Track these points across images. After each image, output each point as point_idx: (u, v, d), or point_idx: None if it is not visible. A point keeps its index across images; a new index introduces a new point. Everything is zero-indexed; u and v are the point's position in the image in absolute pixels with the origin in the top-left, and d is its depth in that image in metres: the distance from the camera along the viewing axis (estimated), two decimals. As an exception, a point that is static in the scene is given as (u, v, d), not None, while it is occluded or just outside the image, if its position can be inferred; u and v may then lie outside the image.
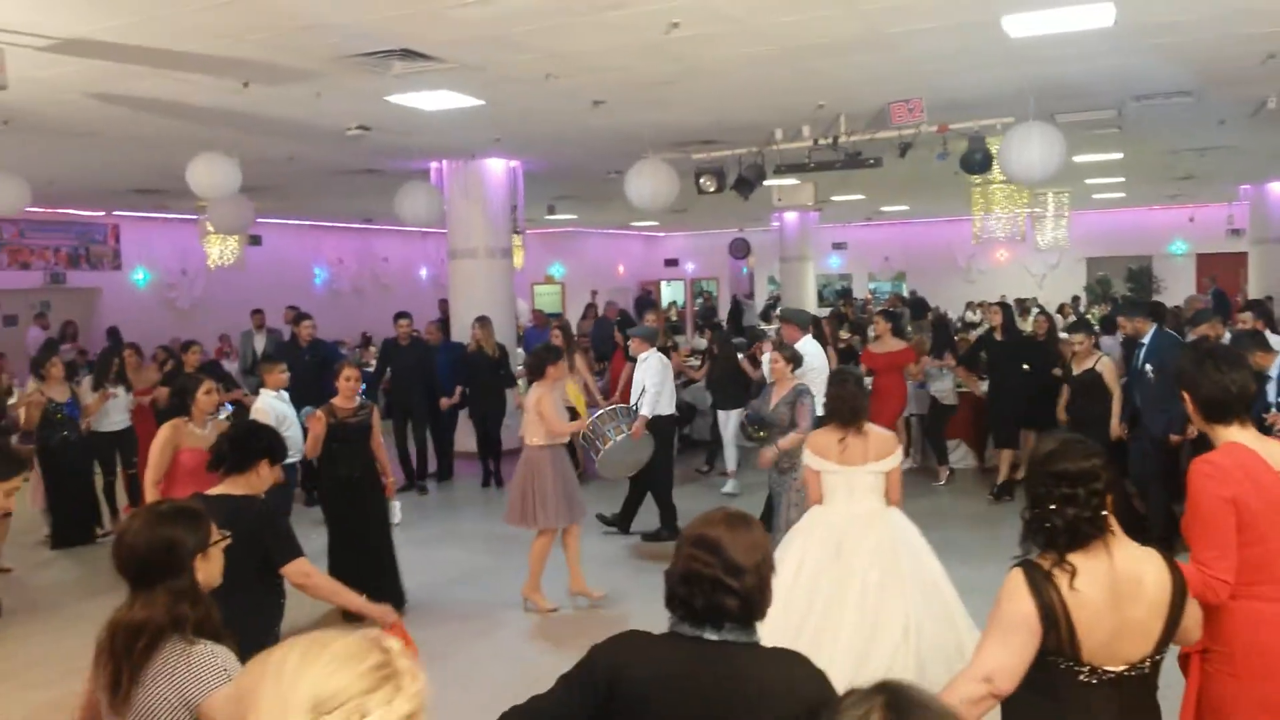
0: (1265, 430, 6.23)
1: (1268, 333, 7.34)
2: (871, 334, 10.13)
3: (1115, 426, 7.38)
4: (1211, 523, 2.75)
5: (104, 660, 2.23)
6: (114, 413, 8.56)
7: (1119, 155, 12.64)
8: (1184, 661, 2.88)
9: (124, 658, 2.18)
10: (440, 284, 18.36)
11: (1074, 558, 2.34)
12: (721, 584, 2.00)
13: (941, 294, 20.86)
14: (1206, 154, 12.66)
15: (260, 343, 11.94)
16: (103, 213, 16.64)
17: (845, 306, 15.67)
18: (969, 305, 18.80)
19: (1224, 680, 2.78)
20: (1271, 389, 6.48)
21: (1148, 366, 7.04)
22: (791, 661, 2.07)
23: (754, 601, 2.05)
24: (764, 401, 6.60)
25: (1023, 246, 19.87)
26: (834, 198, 16.83)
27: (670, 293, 28.38)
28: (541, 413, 6.21)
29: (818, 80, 7.57)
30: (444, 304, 16.22)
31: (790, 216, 19.54)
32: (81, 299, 16.79)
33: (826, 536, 4.51)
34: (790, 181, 11.43)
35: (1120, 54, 6.99)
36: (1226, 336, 7.31)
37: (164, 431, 5.41)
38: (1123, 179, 16.02)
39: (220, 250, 14.58)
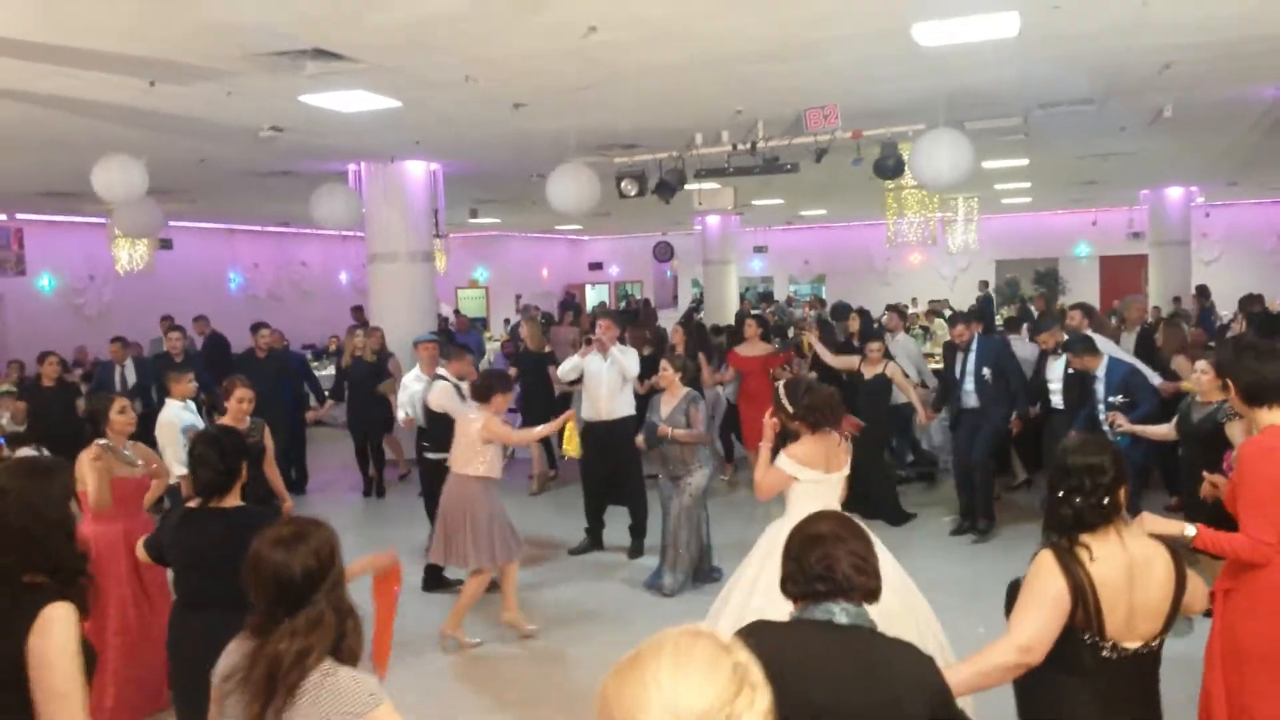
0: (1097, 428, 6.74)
1: (1094, 335, 7.96)
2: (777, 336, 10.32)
3: (923, 416, 8.55)
4: (1268, 498, 3.14)
5: (246, 694, 2.15)
6: None
7: (1025, 161, 13.07)
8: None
9: (277, 690, 2.10)
10: (361, 289, 18.05)
11: (1088, 540, 2.64)
12: (853, 569, 2.25)
13: (860, 295, 21.26)
14: (1108, 159, 13.17)
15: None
16: (4, 216, 15.98)
17: (765, 309, 15.90)
18: (888, 307, 19.21)
19: (1245, 619, 3.17)
20: (1100, 388, 6.92)
21: (985, 370, 7.75)
22: (913, 649, 2.29)
23: (877, 586, 2.31)
24: (654, 411, 6.74)
25: (935, 250, 20.43)
26: (754, 201, 17.06)
27: (595, 296, 28.42)
28: (492, 433, 5.86)
29: (736, 86, 7.67)
30: (358, 310, 15.99)
31: (712, 220, 19.75)
32: (-19, 305, 16.11)
33: None
34: (710, 186, 11.57)
35: (1025, 63, 7.24)
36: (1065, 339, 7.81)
37: (89, 458, 4.93)
38: (1029, 184, 16.58)
39: (129, 255, 14.14)
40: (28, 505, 2.42)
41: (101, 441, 5.07)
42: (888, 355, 8.68)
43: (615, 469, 7.59)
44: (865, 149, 8.96)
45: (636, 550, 7.61)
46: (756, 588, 4.16)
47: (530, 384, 9.87)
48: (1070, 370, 7.50)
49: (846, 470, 4.41)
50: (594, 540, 7.85)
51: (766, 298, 23.98)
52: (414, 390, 7.86)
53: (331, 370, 12.62)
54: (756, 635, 2.20)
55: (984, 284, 21.71)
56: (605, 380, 7.68)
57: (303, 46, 6.08)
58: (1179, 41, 6.72)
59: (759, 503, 9.05)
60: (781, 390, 4.43)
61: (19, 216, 16.16)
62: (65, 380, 9.17)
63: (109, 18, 5.38)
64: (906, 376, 8.83)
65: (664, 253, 25.09)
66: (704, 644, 1.26)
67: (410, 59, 6.50)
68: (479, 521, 5.80)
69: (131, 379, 9.88)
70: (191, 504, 3.63)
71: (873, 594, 2.30)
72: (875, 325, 11.30)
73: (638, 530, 7.66)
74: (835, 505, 4.34)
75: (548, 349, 10.23)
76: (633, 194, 9.84)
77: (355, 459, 10.23)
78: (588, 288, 28.76)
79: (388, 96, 7.61)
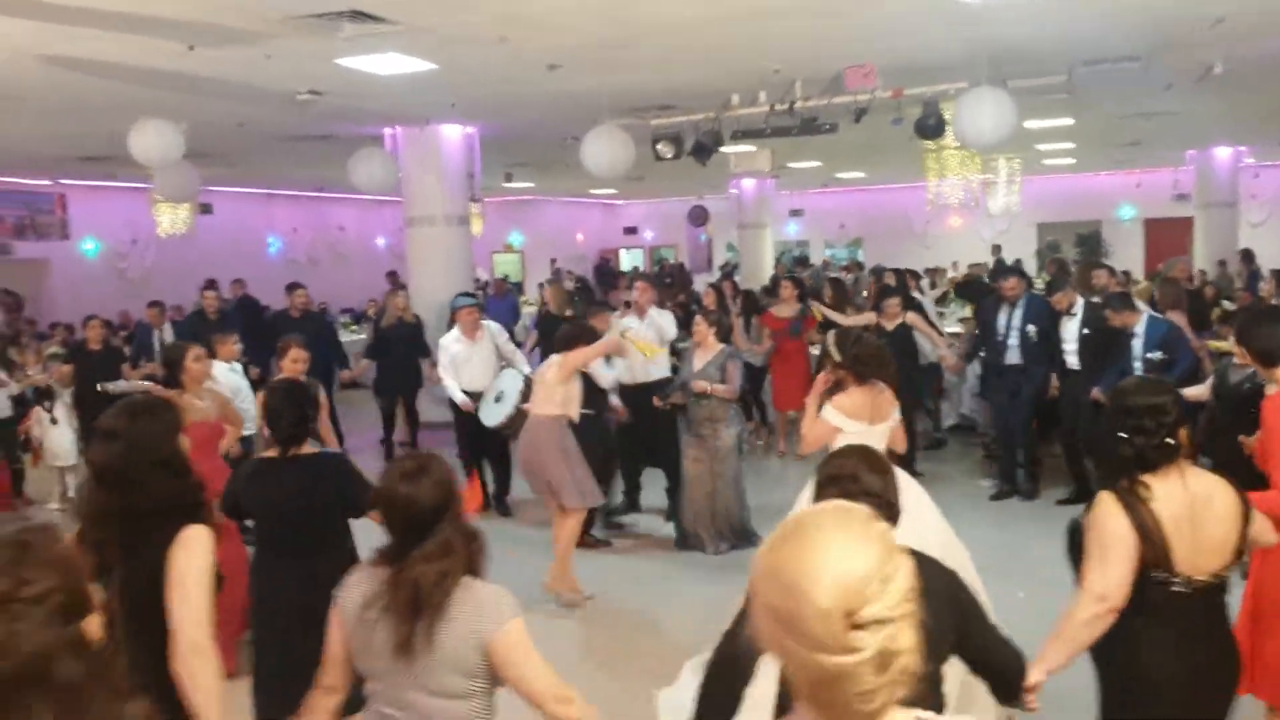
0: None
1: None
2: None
3: (950, 360, 8.75)
4: None
5: (393, 617, 2.27)
6: None
7: (1069, 121, 12.81)
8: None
9: (423, 610, 2.25)
10: (398, 253, 18.18)
11: (1148, 479, 2.68)
12: (860, 485, 2.38)
13: (898, 259, 21.03)
14: (1153, 119, 12.87)
15: (167, 336, 10.22)
16: (49, 181, 16.22)
17: (800, 272, 15.78)
18: (927, 271, 19.02)
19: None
20: (1138, 344, 6.93)
21: (1030, 328, 7.69)
22: (936, 563, 2.37)
23: (894, 504, 2.42)
24: (687, 365, 6.73)
25: (976, 212, 20.11)
26: (791, 164, 16.88)
27: (629, 260, 28.35)
28: (570, 363, 5.93)
29: (773, 44, 7.57)
30: (393, 275, 16.11)
31: (748, 184, 19.59)
32: (30, 271, 16.40)
33: None
34: (747, 148, 11.47)
35: (1070, 18, 7.07)
36: (1080, 302, 7.72)
37: None
38: (1072, 145, 16.24)
39: (171, 219, 14.29)
40: (133, 446, 2.55)
41: (112, 385, 5.22)
42: (908, 307, 8.66)
43: (652, 431, 7.62)
44: (906, 108, 8.83)
45: (673, 512, 7.65)
46: None
47: (552, 346, 9.87)
48: (1087, 331, 7.48)
49: (892, 421, 4.42)
50: (631, 502, 7.90)
51: (802, 261, 23.82)
52: (454, 351, 7.93)
53: (362, 336, 12.77)
54: None
55: (996, 248, 21.36)
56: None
57: (339, 8, 6.09)
58: (1232, -6, 6.53)
59: (793, 465, 9.27)
60: (831, 339, 4.47)
61: (62, 181, 16.40)
62: (110, 344, 9.26)
63: (148, -20, 5.42)
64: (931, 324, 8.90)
65: (699, 217, 24.87)
66: (857, 513, 1.34)
67: (445, 19, 6.48)
68: (561, 459, 5.79)
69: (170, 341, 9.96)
70: (270, 454, 3.74)
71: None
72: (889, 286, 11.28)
73: (674, 492, 7.70)
74: None
75: (569, 312, 10.24)
76: (669, 156, 9.78)
77: (382, 420, 10.29)
78: (622, 252, 28.70)
79: (423, 59, 7.60)
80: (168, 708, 2.25)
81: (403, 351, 9.95)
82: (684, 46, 7.56)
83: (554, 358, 6.11)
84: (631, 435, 7.78)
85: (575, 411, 6.03)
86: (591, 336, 6.25)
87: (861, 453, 2.57)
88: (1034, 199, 21.08)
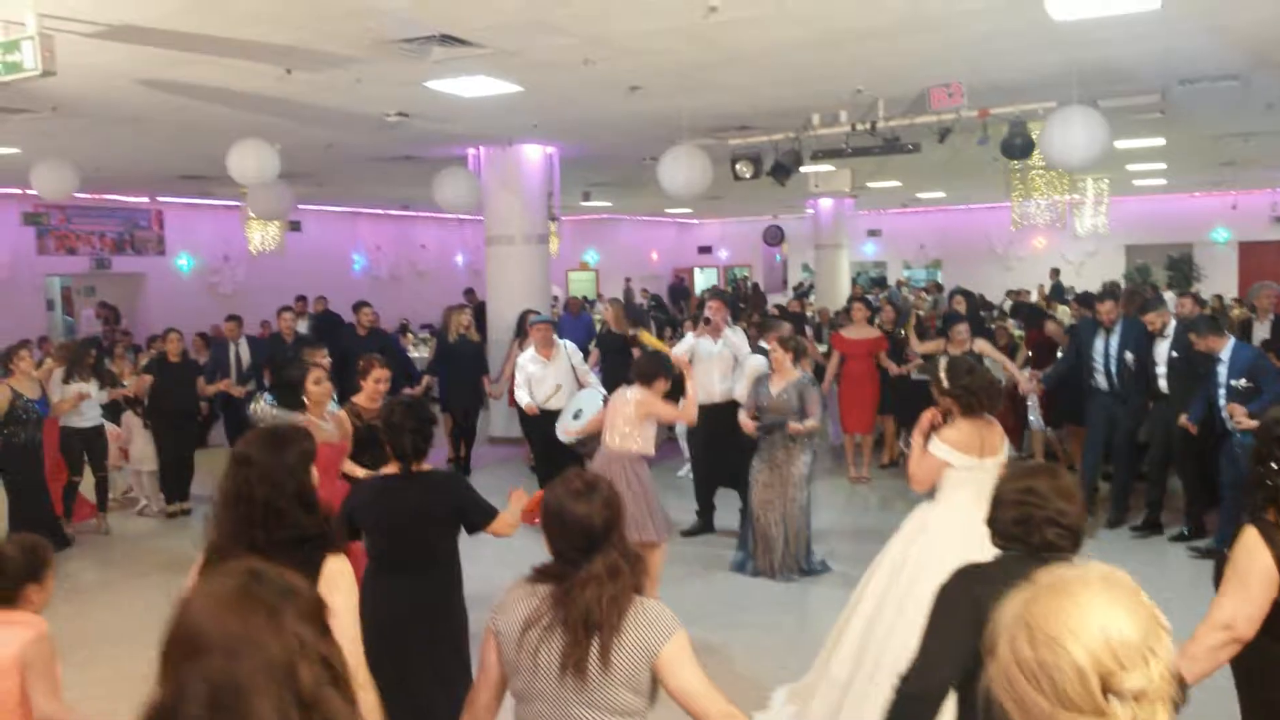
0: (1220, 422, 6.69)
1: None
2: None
3: (1025, 385, 8.54)
4: None
5: (564, 637, 2.26)
6: (86, 409, 8.01)
7: (1161, 140, 12.44)
8: None
9: (598, 630, 2.24)
10: (477, 270, 18.49)
11: None
12: (1054, 521, 2.36)
13: (978, 281, 20.67)
14: (1251, 139, 12.43)
15: (243, 351, 10.13)
16: (147, 199, 16.92)
17: (878, 294, 15.59)
18: (1008, 294, 18.64)
19: None
20: (1223, 370, 6.78)
21: (1127, 354, 7.53)
22: None
23: (1081, 533, 2.41)
24: (763, 391, 6.63)
25: (1061, 233, 19.65)
26: (870, 184, 16.73)
27: (704, 279, 28.36)
28: (651, 408, 5.89)
29: (856, 65, 7.53)
30: (469, 293, 16.37)
31: (825, 203, 19.45)
32: (127, 284, 17.12)
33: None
34: (827, 168, 11.41)
35: (1167, 36, 6.88)
36: (1173, 323, 7.56)
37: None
38: (1164, 165, 15.77)
39: (262, 236, 14.81)
40: (266, 477, 2.55)
41: (265, 403, 5.33)
42: (978, 333, 8.63)
43: (726, 451, 7.58)
44: (992, 128, 8.67)
45: (744, 539, 7.58)
46: (903, 572, 4.14)
47: (613, 365, 9.86)
48: (1175, 354, 7.29)
49: (1003, 456, 4.26)
50: (705, 523, 7.86)
51: (879, 283, 23.54)
52: (530, 371, 8.01)
53: (424, 352, 13.02)
54: (969, 574, 2.45)
55: (1055, 271, 20.91)
56: (717, 362, 7.66)
57: (429, 32, 6.24)
58: (1341, 9, 6.28)
59: (855, 490, 9.14)
60: (942, 365, 4.35)
61: (160, 199, 17.09)
62: (188, 356, 9.40)
63: (251, 7, 5.62)
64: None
65: (774, 237, 24.81)
66: (1125, 580, 1.33)
67: (531, 41, 6.59)
68: (639, 493, 5.75)
69: (246, 357, 10.01)
70: (390, 470, 3.78)
71: (1067, 550, 2.37)
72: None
73: (748, 514, 7.64)
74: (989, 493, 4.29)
75: (630, 331, 10.27)
76: (748, 176, 9.76)
77: (447, 435, 10.36)
78: (696, 271, 28.72)
79: (509, 81, 7.74)
80: None
81: (466, 367, 10.09)
82: (767, 69, 7.56)
83: (632, 391, 5.97)
84: (706, 455, 7.75)
85: (653, 448, 6.01)
86: (668, 369, 6.16)
87: (1048, 473, 2.50)
88: (1123, 220, 20.53)
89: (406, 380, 10.41)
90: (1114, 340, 7.59)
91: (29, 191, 11.38)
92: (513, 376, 9.16)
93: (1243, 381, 6.62)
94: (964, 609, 2.29)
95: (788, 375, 6.64)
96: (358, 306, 10.45)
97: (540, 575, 2.38)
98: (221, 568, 1.54)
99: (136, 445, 8.92)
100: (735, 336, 7.85)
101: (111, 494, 8.80)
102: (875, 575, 4.35)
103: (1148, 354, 7.55)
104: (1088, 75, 7.81)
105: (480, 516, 3.75)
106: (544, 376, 8.08)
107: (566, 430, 7.34)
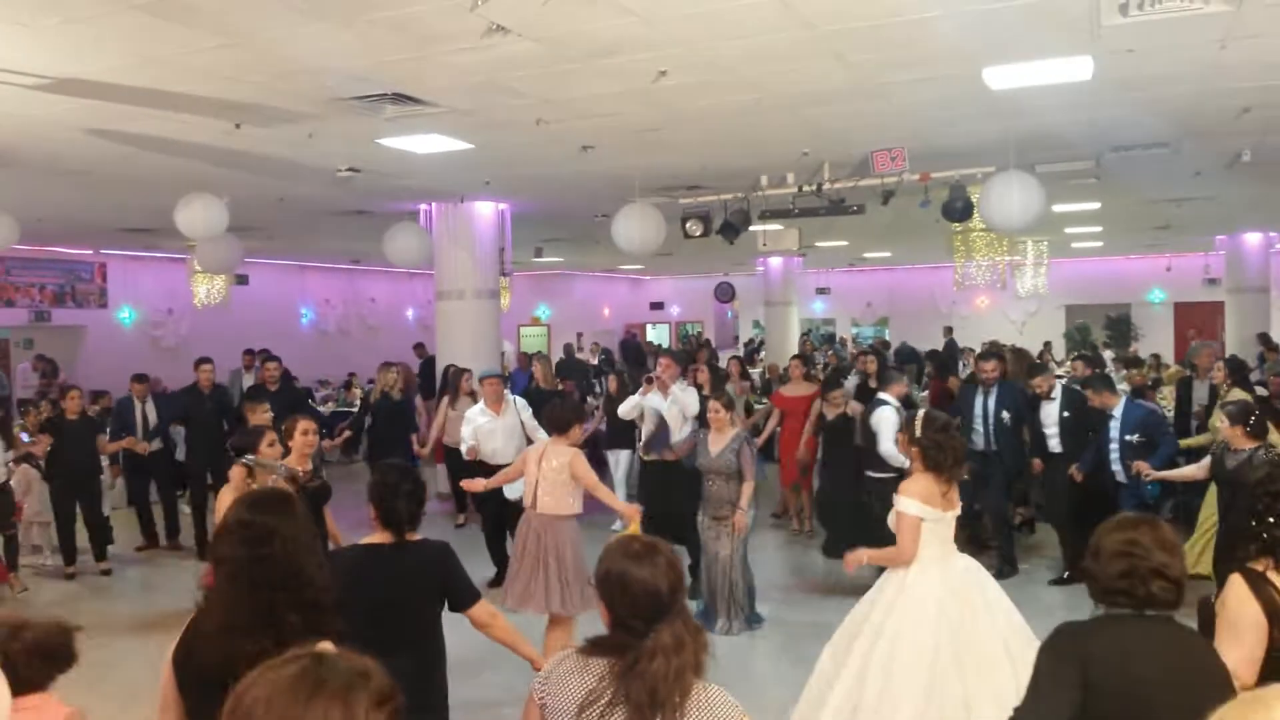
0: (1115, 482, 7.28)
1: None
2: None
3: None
4: None
5: (626, 712, 2.09)
6: None
7: (1097, 205, 12.86)
8: None
9: (662, 707, 2.06)
10: (427, 325, 18.38)
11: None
12: (1159, 573, 2.34)
13: (924, 339, 21.06)
14: (1183, 204, 12.90)
15: (149, 410, 9.85)
16: (90, 250, 16.63)
17: (827, 351, 15.79)
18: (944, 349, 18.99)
19: None
20: (1115, 426, 7.33)
21: (1005, 413, 7.92)
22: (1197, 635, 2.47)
23: (1183, 587, 2.38)
24: (703, 451, 6.65)
25: (1003, 294, 20.13)
26: (818, 243, 17.03)
27: (656, 335, 28.53)
28: (579, 476, 5.61)
29: (803, 128, 7.71)
30: (419, 347, 16.29)
31: (775, 262, 19.75)
32: (67, 337, 16.72)
33: (963, 592, 4.24)
34: (775, 227, 11.58)
35: (1098, 106, 7.16)
36: (1059, 385, 8.16)
37: (238, 478, 5.02)
38: (1101, 228, 16.29)
39: (207, 289, 14.60)
40: (295, 541, 2.38)
41: (248, 459, 5.12)
42: (863, 397, 8.79)
43: (674, 508, 7.56)
44: (933, 191, 8.91)
45: (695, 591, 7.54)
46: (882, 639, 4.14)
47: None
48: (1066, 414, 7.77)
49: (958, 510, 4.36)
50: None
51: (830, 339, 23.86)
52: (479, 424, 7.96)
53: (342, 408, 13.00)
54: (1076, 633, 2.41)
55: (948, 329, 21.42)
56: (666, 419, 7.69)
57: (383, 90, 6.27)
58: (1257, 84, 6.59)
59: (795, 541, 9.19)
60: (919, 416, 4.38)
61: (103, 251, 16.81)
62: (87, 413, 9.11)
63: (204, 61, 5.62)
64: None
65: (725, 293, 25.10)
66: None
67: (485, 101, 6.66)
68: (567, 563, 5.52)
69: (152, 418, 9.74)
70: (377, 539, 3.41)
71: (1172, 604, 2.37)
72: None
73: (697, 570, 7.61)
74: (951, 544, 4.33)
75: (560, 385, 10.29)
76: (698, 234, 9.89)
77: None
78: (648, 327, 28.89)
79: (461, 139, 7.80)
80: None
81: (387, 426, 9.98)
82: (717, 131, 7.71)
83: (555, 449, 5.73)
84: (654, 511, 7.71)
85: (580, 507, 5.80)
86: (582, 415, 6.12)
87: (1150, 525, 2.47)
88: (1062, 281, 21.12)
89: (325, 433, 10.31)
90: (991, 401, 7.94)
91: (-33, 242, 11.11)
92: (440, 434, 9.47)
93: (1136, 437, 7.15)
94: (1071, 665, 2.30)
95: (725, 433, 6.67)
96: (263, 360, 10.33)
97: (596, 647, 2.20)
98: (282, 657, 1.39)
99: (32, 498, 8.89)
100: (685, 395, 7.89)
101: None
102: (857, 641, 4.29)
103: (1033, 417, 7.98)
104: (1024, 142, 8.09)
105: (463, 596, 3.41)
106: (492, 429, 8.03)
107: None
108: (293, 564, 2.35)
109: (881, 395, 7.76)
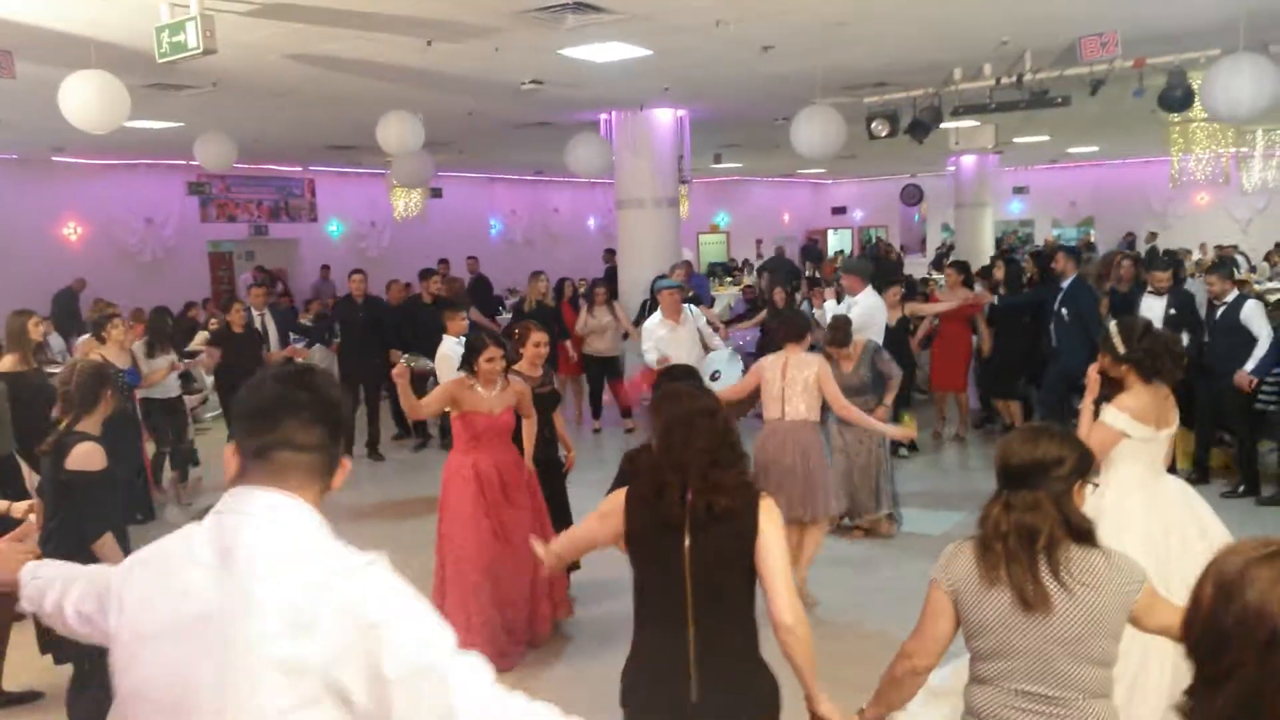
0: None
1: None
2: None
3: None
4: None
5: (1001, 557, 2.31)
6: (167, 379, 7.85)
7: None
8: None
9: (1032, 554, 2.29)
10: (608, 234, 18.68)
11: None
12: None
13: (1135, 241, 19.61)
14: None
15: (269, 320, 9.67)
16: (299, 168, 17.79)
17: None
18: (1165, 253, 17.60)
19: None
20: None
21: (1063, 310, 8.01)
22: None
23: None
24: (836, 375, 6.26)
25: (1226, 189, 18.36)
26: (1016, 139, 16.02)
27: (837, 241, 27.82)
28: (829, 393, 5.39)
29: (1001, 15, 7.22)
30: (609, 253, 16.55)
31: (967, 160, 18.75)
32: (283, 249, 18.11)
33: (1172, 518, 3.94)
34: (969, 123, 11.02)
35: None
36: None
37: (453, 381, 5.08)
38: (1348, 112, 14.50)
39: (405, 203, 15.38)
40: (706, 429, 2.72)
41: (406, 356, 5.36)
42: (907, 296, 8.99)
43: None
44: (1148, 78, 8.18)
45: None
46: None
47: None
48: (1172, 311, 7.43)
49: (1175, 427, 3.95)
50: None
51: (1027, 243, 22.62)
52: (659, 335, 8.12)
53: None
54: None
55: (1152, 235, 19.80)
56: (685, 345, 7.99)
57: (565, 1, 6.31)
58: None
59: (951, 449, 8.97)
60: (1115, 329, 3.95)
61: (311, 168, 17.94)
62: (251, 326, 9.13)
63: (393, -18, 5.82)
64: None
65: (912, 196, 24.10)
66: None
67: (663, 5, 6.59)
68: (816, 467, 5.42)
69: (272, 326, 9.56)
70: None
71: None
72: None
73: None
74: (1161, 466, 3.98)
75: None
76: (884, 134, 9.53)
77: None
78: (830, 233, 28.18)
79: (640, 46, 7.77)
80: None
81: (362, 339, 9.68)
82: (906, 22, 7.34)
83: (801, 358, 5.48)
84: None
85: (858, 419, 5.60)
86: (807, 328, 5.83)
87: None
88: (1297, 173, 18.98)
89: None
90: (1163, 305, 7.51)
91: (193, 163, 12.12)
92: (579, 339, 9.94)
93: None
94: None
95: (852, 357, 6.44)
96: (424, 275, 10.43)
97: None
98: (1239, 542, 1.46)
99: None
100: (696, 321, 8.21)
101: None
102: None
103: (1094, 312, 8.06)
104: (1256, 18, 7.26)
105: None
106: (672, 340, 8.18)
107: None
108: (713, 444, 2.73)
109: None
